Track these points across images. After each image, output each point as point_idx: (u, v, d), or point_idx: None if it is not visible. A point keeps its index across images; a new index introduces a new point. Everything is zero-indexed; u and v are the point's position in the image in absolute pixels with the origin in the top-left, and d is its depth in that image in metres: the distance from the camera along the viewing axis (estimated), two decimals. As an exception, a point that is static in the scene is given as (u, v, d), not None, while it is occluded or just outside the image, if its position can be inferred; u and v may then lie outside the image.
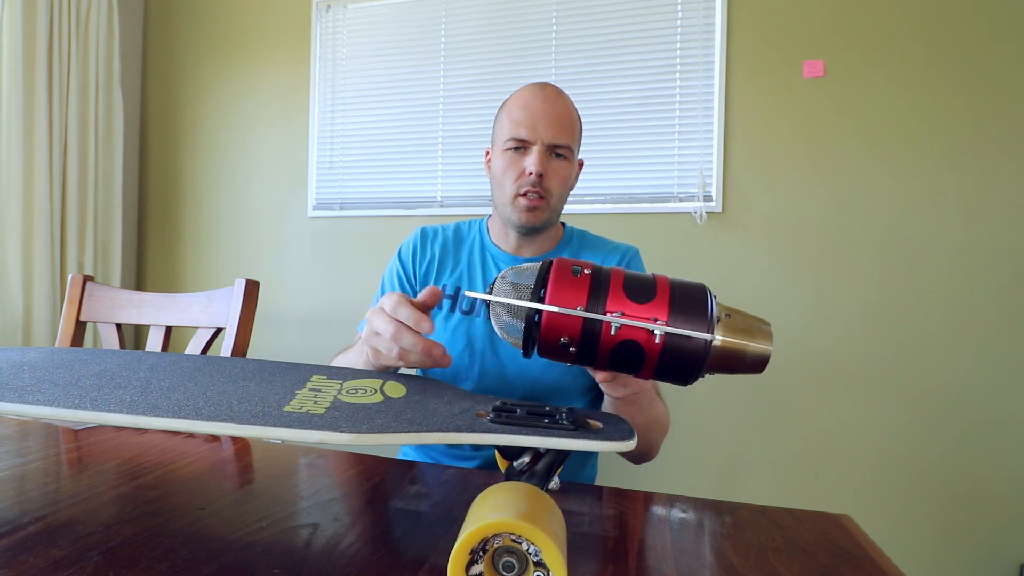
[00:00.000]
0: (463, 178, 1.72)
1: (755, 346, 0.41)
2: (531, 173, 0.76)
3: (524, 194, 0.77)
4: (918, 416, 1.39)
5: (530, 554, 0.30)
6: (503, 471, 0.45)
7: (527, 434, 0.37)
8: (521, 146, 0.78)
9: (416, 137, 1.76)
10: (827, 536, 0.45)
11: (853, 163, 1.44)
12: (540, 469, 0.38)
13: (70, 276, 1.05)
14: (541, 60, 1.65)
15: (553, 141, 0.76)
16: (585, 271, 0.42)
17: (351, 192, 1.83)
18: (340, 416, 0.37)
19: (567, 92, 0.82)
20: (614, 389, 0.51)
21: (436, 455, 0.84)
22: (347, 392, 0.43)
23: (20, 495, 0.46)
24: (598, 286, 0.41)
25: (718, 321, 0.41)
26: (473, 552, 0.31)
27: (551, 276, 0.42)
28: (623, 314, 0.40)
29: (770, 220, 1.49)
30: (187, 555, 0.37)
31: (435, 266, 0.86)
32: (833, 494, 1.44)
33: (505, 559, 0.31)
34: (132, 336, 2.03)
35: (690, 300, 0.41)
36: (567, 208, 1.56)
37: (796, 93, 1.47)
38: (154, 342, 1.00)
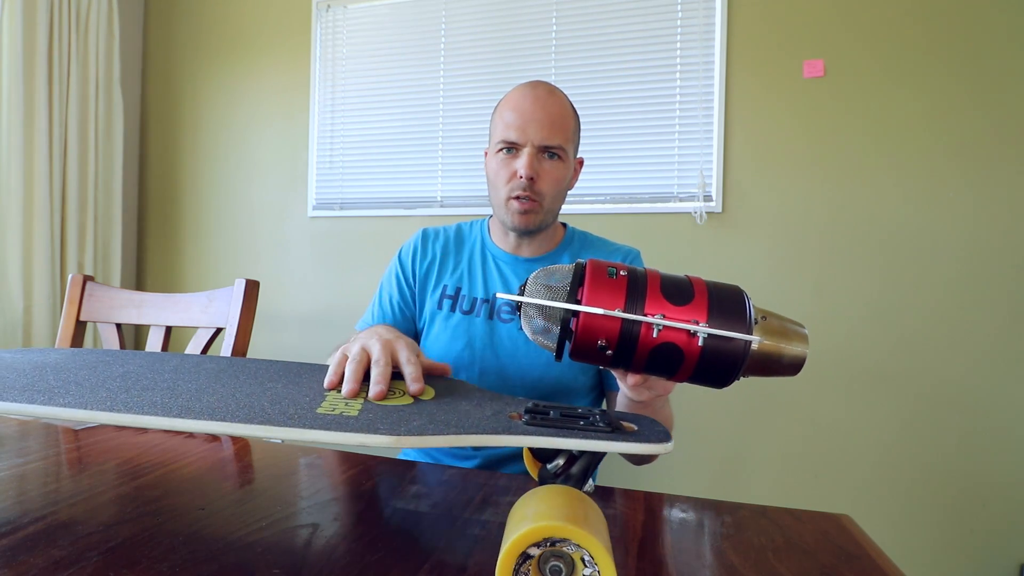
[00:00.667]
0: (463, 178, 1.72)
1: (792, 349, 0.41)
2: (521, 176, 0.76)
3: (516, 197, 0.77)
4: (918, 416, 1.39)
5: (582, 559, 0.30)
6: (533, 474, 0.44)
7: (565, 436, 0.36)
8: (512, 148, 0.77)
9: (416, 137, 1.76)
10: (827, 536, 0.45)
11: (853, 163, 1.44)
12: (576, 472, 0.38)
13: (70, 276, 1.05)
14: (541, 60, 1.65)
15: (544, 143, 0.76)
16: (621, 272, 0.42)
17: (351, 192, 1.83)
18: (375, 418, 0.37)
19: (567, 91, 0.82)
20: (639, 392, 0.50)
21: (437, 455, 0.84)
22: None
23: (20, 495, 0.46)
24: (635, 287, 0.41)
25: (756, 323, 0.41)
26: (521, 556, 0.30)
27: (587, 277, 0.41)
28: (664, 316, 0.39)
29: (770, 220, 1.49)
30: (187, 555, 0.37)
31: (436, 266, 0.86)
32: (833, 494, 1.44)
33: (552, 563, 0.30)
34: (132, 336, 2.03)
35: (728, 302, 0.41)
36: (567, 208, 1.58)
37: (796, 93, 1.47)
38: (154, 342, 1.00)
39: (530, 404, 0.42)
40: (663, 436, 0.38)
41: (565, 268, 0.44)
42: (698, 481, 1.53)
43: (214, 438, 0.64)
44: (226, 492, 0.48)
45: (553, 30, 1.64)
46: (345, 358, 0.48)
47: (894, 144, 1.41)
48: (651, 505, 0.50)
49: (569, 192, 0.85)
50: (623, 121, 1.58)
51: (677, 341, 0.39)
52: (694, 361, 0.40)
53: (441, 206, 1.73)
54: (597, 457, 0.39)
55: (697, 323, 0.39)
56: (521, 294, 0.45)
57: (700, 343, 0.39)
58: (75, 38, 1.77)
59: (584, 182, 1.59)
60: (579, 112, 0.84)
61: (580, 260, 0.44)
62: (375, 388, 0.44)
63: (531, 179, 0.76)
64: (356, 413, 0.38)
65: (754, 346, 0.40)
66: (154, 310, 1.02)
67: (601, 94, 1.60)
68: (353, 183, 1.83)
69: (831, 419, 1.45)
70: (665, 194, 1.55)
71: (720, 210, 1.51)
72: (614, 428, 0.38)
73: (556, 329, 0.42)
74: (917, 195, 1.40)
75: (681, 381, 0.43)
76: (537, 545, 0.30)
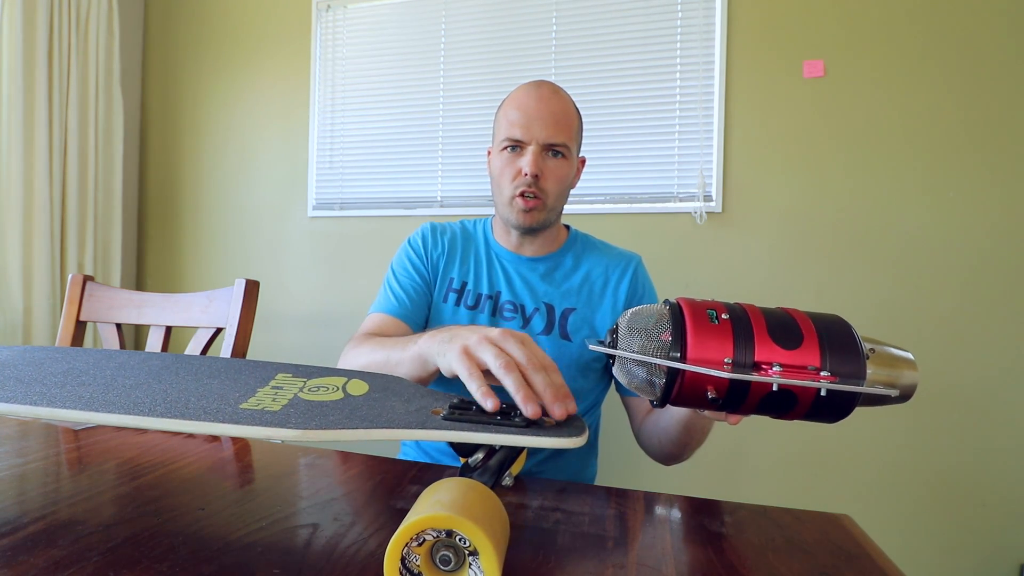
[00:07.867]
0: (463, 178, 1.72)
1: (904, 379, 0.39)
2: (526, 174, 0.76)
3: (521, 195, 0.77)
4: (919, 416, 1.39)
5: (464, 547, 0.31)
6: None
7: (476, 431, 0.37)
8: (517, 146, 0.78)
9: (416, 137, 1.76)
10: (827, 536, 0.45)
11: (853, 163, 1.44)
12: (492, 465, 0.38)
13: (70, 276, 1.05)
14: (541, 60, 1.65)
15: (548, 141, 0.76)
16: (722, 316, 0.39)
17: (351, 192, 1.83)
18: (294, 413, 0.37)
19: (567, 91, 0.82)
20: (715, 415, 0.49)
21: (437, 455, 0.84)
22: (308, 390, 0.43)
23: (20, 495, 0.46)
24: (741, 332, 0.39)
25: (867, 358, 0.38)
26: (409, 544, 0.31)
27: (689, 326, 0.39)
28: (782, 367, 0.37)
29: (770, 220, 1.49)
30: (187, 555, 0.37)
31: (444, 258, 0.86)
32: (833, 494, 1.44)
33: (442, 553, 0.31)
34: (132, 336, 2.03)
35: (839, 340, 0.38)
36: (568, 208, 1.57)
37: (796, 93, 1.47)
38: (154, 342, 1.00)
39: (456, 400, 0.42)
40: (577, 431, 0.38)
41: (653, 309, 0.42)
42: (698, 481, 1.53)
43: (214, 438, 0.64)
44: (226, 492, 0.48)
45: (553, 30, 1.64)
46: (479, 371, 0.44)
47: (894, 144, 1.41)
48: (651, 505, 0.50)
49: (570, 191, 0.85)
50: (623, 121, 1.58)
51: (792, 388, 0.38)
52: (807, 406, 0.38)
53: (441, 206, 1.73)
54: (514, 451, 0.39)
55: (817, 372, 0.37)
56: (614, 343, 0.42)
57: (824, 393, 0.37)
58: (75, 38, 1.77)
59: (584, 182, 1.58)
60: (579, 109, 0.84)
61: (669, 301, 0.41)
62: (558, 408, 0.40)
63: (535, 176, 0.76)
64: (278, 408, 0.38)
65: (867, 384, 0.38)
66: (154, 310, 1.02)
67: (601, 94, 1.60)
68: (353, 183, 1.83)
69: (831, 419, 1.44)
70: (665, 194, 1.55)
71: (720, 210, 1.51)
72: (530, 422, 0.38)
73: (661, 381, 0.40)
74: (918, 195, 1.40)
75: (791, 420, 0.41)
76: (433, 533, 0.31)
